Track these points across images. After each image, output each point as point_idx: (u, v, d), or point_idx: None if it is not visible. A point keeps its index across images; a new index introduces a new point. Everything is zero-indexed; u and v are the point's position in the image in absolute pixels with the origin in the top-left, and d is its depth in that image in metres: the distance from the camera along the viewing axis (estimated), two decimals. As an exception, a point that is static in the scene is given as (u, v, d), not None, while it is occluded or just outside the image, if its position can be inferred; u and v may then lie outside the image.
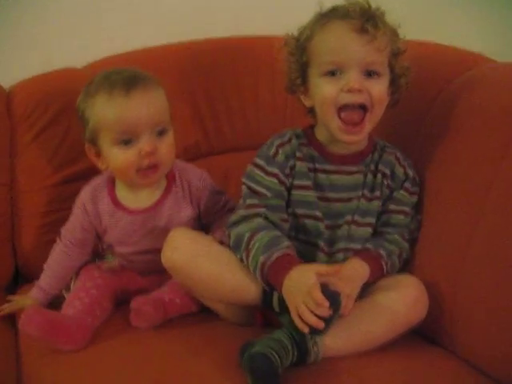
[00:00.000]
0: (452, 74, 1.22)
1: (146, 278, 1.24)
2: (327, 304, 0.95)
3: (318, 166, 1.13)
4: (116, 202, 1.18)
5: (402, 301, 1.05)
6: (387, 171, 1.15)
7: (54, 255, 1.23)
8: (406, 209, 1.15)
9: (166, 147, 1.12)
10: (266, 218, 1.09)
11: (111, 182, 1.20)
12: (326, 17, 1.10)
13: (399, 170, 1.15)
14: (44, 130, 1.38)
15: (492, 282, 1.01)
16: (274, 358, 0.96)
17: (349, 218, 1.13)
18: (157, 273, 1.19)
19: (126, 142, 1.09)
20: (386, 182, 1.15)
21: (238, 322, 1.15)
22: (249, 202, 1.11)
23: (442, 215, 1.12)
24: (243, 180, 1.14)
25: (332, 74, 1.07)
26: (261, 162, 1.12)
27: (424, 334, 1.12)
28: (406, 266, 1.17)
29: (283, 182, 1.12)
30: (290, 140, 1.14)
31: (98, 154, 1.14)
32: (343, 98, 1.07)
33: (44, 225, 1.36)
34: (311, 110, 1.15)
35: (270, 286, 1.05)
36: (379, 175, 1.14)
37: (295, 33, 1.14)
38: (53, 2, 1.48)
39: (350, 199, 1.14)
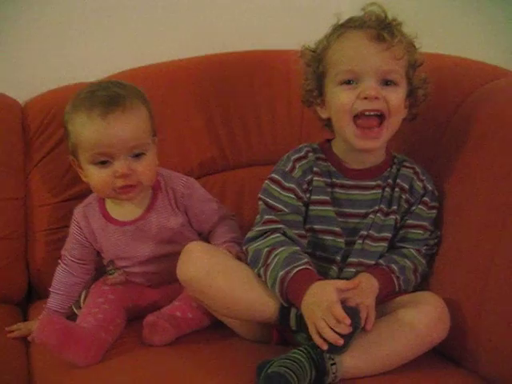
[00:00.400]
0: (472, 86, 1.20)
1: (157, 291, 1.23)
2: (348, 321, 0.94)
3: (335, 180, 1.12)
4: (107, 216, 1.20)
5: (423, 319, 1.02)
6: (405, 185, 1.13)
7: (58, 276, 1.24)
8: (425, 223, 1.13)
9: (143, 168, 1.13)
10: (285, 233, 1.08)
11: (102, 198, 1.21)
12: (343, 27, 1.10)
13: (418, 185, 1.14)
14: (58, 145, 1.38)
15: (517, 302, 0.98)
16: (292, 378, 0.94)
17: (364, 232, 1.12)
18: (165, 283, 1.20)
19: (102, 162, 1.12)
20: (404, 197, 1.13)
21: (253, 339, 1.13)
22: (266, 217, 1.10)
23: (463, 232, 1.10)
24: (260, 195, 1.13)
25: (348, 82, 1.07)
26: (277, 178, 1.12)
27: (447, 355, 1.09)
28: (425, 282, 1.14)
29: (300, 197, 1.11)
30: (306, 155, 1.13)
31: (81, 169, 1.17)
32: (359, 105, 1.06)
33: (57, 240, 1.35)
34: (327, 123, 1.15)
35: (289, 302, 1.04)
36: (397, 189, 1.13)
37: (312, 45, 1.14)
38: (66, 18, 1.49)
39: (367, 214, 1.12)
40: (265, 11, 1.59)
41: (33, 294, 1.39)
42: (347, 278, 1.08)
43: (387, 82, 1.07)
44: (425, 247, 1.14)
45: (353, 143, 1.09)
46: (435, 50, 1.29)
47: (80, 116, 1.11)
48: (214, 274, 1.06)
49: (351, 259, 1.12)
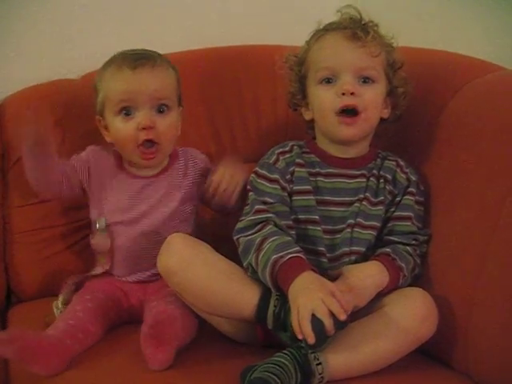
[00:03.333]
0: (460, 82, 1.19)
1: (134, 295, 1.20)
2: (343, 317, 0.93)
3: (319, 170, 1.15)
4: (120, 166, 1.22)
5: (410, 316, 1.01)
6: (389, 176, 1.16)
7: None
8: (412, 214, 1.14)
9: (166, 125, 1.16)
10: (275, 224, 1.09)
11: (119, 154, 1.23)
12: (322, 30, 1.16)
13: (401, 176, 1.16)
14: (37, 144, 1.33)
15: (510, 303, 0.96)
16: (276, 382, 0.93)
17: (351, 221, 1.13)
18: (142, 269, 1.20)
19: (127, 112, 1.15)
20: (388, 188, 1.15)
21: (238, 338, 1.11)
22: (257, 207, 1.11)
23: (454, 230, 1.09)
24: (248, 187, 1.15)
25: (328, 81, 1.12)
26: (262, 171, 1.15)
27: (437, 356, 1.08)
28: (416, 282, 1.12)
29: (284, 187, 1.13)
30: (291, 149, 1.17)
31: (107, 127, 1.19)
32: (338, 102, 1.10)
33: (37, 242, 1.32)
34: (311, 126, 1.20)
35: (276, 287, 1.02)
36: (382, 180, 1.16)
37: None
38: (49, 10, 1.45)
39: (351, 203, 1.14)
40: (253, 6, 1.58)
41: (12, 297, 1.35)
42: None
43: (365, 80, 1.11)
44: (414, 242, 1.12)
45: (335, 133, 1.13)
46: (422, 44, 1.29)
47: (110, 69, 1.16)
48: (193, 266, 1.05)
49: (344, 249, 1.12)
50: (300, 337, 0.94)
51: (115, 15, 1.50)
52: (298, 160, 1.15)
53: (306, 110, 1.18)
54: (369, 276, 1.06)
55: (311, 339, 0.93)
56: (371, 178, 1.15)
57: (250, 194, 1.14)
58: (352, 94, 1.09)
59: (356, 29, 1.11)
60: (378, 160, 1.17)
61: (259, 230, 1.07)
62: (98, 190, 1.21)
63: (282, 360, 0.96)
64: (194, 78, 1.41)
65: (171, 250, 1.07)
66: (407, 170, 1.16)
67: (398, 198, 1.15)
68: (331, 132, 1.13)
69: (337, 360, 0.99)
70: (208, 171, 1.24)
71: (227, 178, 1.15)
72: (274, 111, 1.45)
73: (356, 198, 1.14)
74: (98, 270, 1.22)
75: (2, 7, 1.41)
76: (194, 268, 1.05)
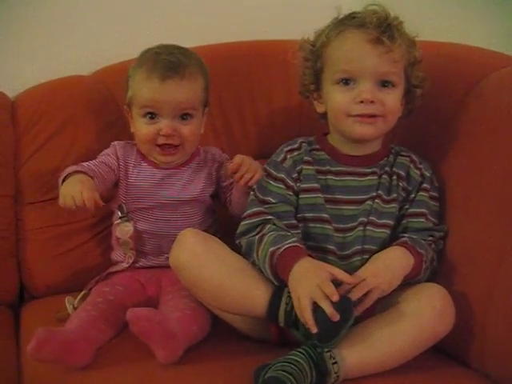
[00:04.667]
0: (479, 75, 1.16)
1: (151, 286, 1.21)
2: (336, 297, 0.93)
3: (329, 168, 1.13)
4: (142, 157, 1.26)
5: (427, 311, 0.99)
6: (402, 173, 1.13)
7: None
8: (426, 211, 1.11)
9: (188, 131, 1.21)
10: (275, 224, 1.08)
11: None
12: (343, 24, 1.10)
13: (415, 172, 1.13)
14: (49, 140, 1.34)
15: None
16: (291, 381, 0.92)
17: (364, 219, 1.11)
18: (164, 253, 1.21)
19: (151, 117, 1.20)
20: (401, 185, 1.13)
21: (252, 335, 1.10)
22: (255, 209, 1.11)
23: (472, 226, 1.07)
24: (253, 187, 1.15)
25: (345, 82, 1.08)
26: (269, 169, 1.14)
27: (454, 355, 1.07)
28: (433, 278, 1.10)
29: (290, 186, 1.12)
30: (300, 146, 1.15)
31: (132, 120, 1.24)
32: (355, 109, 1.08)
33: (49, 239, 1.32)
34: (323, 116, 1.17)
35: (279, 280, 1.02)
36: (395, 177, 1.13)
37: (311, 38, 1.15)
38: (60, 7, 1.45)
39: (363, 201, 1.12)
40: (263, 2, 1.55)
41: (24, 294, 1.35)
42: (354, 269, 1.05)
43: (384, 84, 1.08)
44: (430, 238, 1.10)
45: (351, 132, 1.10)
46: (439, 38, 1.27)
47: (141, 74, 1.19)
48: (204, 262, 1.05)
49: (356, 247, 1.10)
50: (314, 330, 0.93)
51: (127, 11, 1.49)
52: (306, 158, 1.13)
53: (318, 102, 1.15)
54: (395, 258, 1.04)
55: (313, 328, 0.92)
56: (384, 176, 1.13)
57: (251, 194, 1.13)
58: (372, 102, 1.06)
59: (381, 33, 1.05)
60: (391, 156, 1.15)
61: (259, 232, 1.07)
62: (123, 180, 1.25)
63: (297, 358, 0.95)
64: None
65: (183, 245, 1.06)
66: (421, 166, 1.14)
67: (412, 195, 1.12)
68: (346, 131, 1.11)
69: (352, 357, 0.97)
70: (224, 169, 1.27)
71: (247, 161, 1.16)
72: (287, 105, 1.43)
73: (368, 196, 1.12)
74: (123, 265, 1.24)
75: (14, 6, 1.41)
76: (206, 264, 1.04)
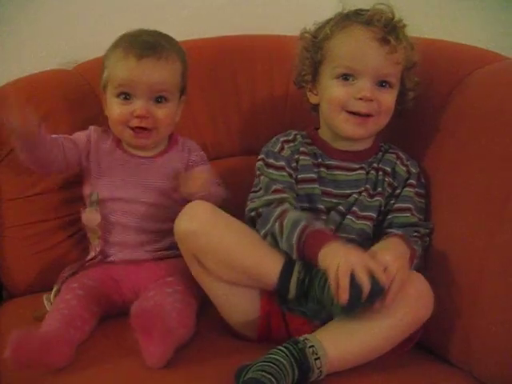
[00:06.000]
0: (464, 71, 1.16)
1: (127, 284, 1.19)
2: (381, 275, 0.93)
3: (320, 161, 1.14)
4: (118, 145, 1.25)
5: (405, 295, 0.98)
6: (388, 169, 1.14)
7: None
8: (411, 206, 1.12)
9: (162, 114, 1.19)
10: (292, 205, 1.08)
11: (117, 137, 1.25)
12: (349, 19, 1.10)
13: (401, 169, 1.14)
14: (29, 136, 1.31)
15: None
16: (270, 381, 0.91)
17: (341, 208, 1.11)
18: (136, 248, 1.20)
19: (126, 97, 1.18)
20: (387, 180, 1.14)
21: (237, 327, 1.09)
22: (275, 187, 1.09)
23: (457, 223, 1.07)
24: (258, 173, 1.14)
25: (345, 78, 1.09)
26: (270, 160, 1.13)
27: (440, 355, 1.07)
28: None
29: (291, 174, 1.12)
30: (294, 138, 1.16)
31: (106, 102, 1.23)
32: (353, 106, 1.08)
33: (29, 236, 1.30)
34: (314, 108, 1.17)
35: (301, 252, 1.00)
36: (381, 173, 1.14)
37: (312, 28, 1.15)
38: (41, 2, 1.43)
39: (350, 195, 1.13)
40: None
41: (3, 293, 1.33)
42: None
43: (382, 83, 1.09)
44: (415, 234, 1.10)
45: (342, 130, 1.11)
46: (426, 34, 1.26)
47: (118, 52, 1.19)
48: (217, 230, 1.03)
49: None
50: (338, 298, 0.92)
51: (110, 5, 1.48)
52: (302, 149, 1.14)
53: (312, 93, 1.15)
54: (396, 247, 1.03)
55: (345, 297, 0.92)
56: (371, 171, 1.14)
57: (263, 177, 1.12)
58: (370, 100, 1.07)
59: (388, 32, 1.06)
60: (380, 154, 1.16)
61: (277, 206, 1.06)
62: (95, 166, 1.23)
63: (277, 357, 0.94)
64: (190, 67, 1.38)
65: (192, 213, 1.04)
66: (408, 163, 1.14)
67: (397, 191, 1.13)
68: (337, 127, 1.11)
69: (334, 350, 0.96)
70: (202, 162, 1.27)
71: (203, 182, 1.14)
72: (271, 99, 1.43)
73: (356, 191, 1.12)
74: (92, 254, 1.22)
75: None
76: (218, 231, 1.03)
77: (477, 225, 1.03)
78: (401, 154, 1.15)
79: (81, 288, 1.14)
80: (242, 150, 1.43)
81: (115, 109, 1.19)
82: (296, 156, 1.13)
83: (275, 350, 0.96)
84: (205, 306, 1.15)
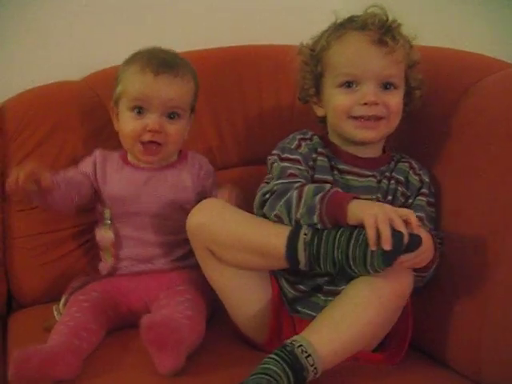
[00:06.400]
0: (471, 80, 1.16)
1: (136, 296, 1.19)
2: (415, 223, 0.94)
3: (333, 164, 1.13)
4: (125, 161, 1.26)
5: (380, 275, 0.96)
6: (401, 178, 1.13)
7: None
8: (423, 215, 1.10)
9: (173, 130, 1.21)
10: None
11: (124, 151, 1.27)
12: (343, 27, 1.10)
13: (414, 178, 1.13)
14: (38, 147, 1.32)
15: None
16: None
17: None
18: (150, 264, 1.21)
19: (139, 111, 1.20)
20: (400, 189, 1.13)
21: (246, 330, 1.10)
22: (290, 171, 1.07)
23: (465, 231, 1.06)
24: (271, 165, 1.11)
25: (348, 85, 1.08)
26: (285, 155, 1.11)
27: (449, 365, 1.06)
28: (425, 289, 1.09)
29: (307, 170, 1.10)
30: (311, 137, 1.14)
31: (117, 117, 1.24)
32: (358, 110, 1.08)
33: (38, 246, 1.30)
34: (322, 120, 1.16)
35: (325, 210, 0.97)
36: (393, 181, 1.13)
37: (309, 42, 1.15)
38: (49, 12, 1.44)
39: None
40: (253, 7, 1.56)
41: (13, 303, 1.33)
42: None
43: (387, 86, 1.08)
44: None
45: (352, 135, 1.10)
46: (432, 43, 1.26)
47: (135, 66, 1.20)
48: (223, 216, 1.05)
49: None
50: (373, 247, 0.92)
51: (118, 16, 1.49)
52: (320, 149, 1.12)
53: (317, 106, 1.15)
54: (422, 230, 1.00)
55: (389, 245, 0.91)
56: (383, 180, 1.12)
57: (276, 165, 1.09)
58: (376, 104, 1.06)
59: (383, 34, 1.06)
60: (392, 163, 1.15)
61: (294, 184, 1.04)
62: (103, 184, 1.23)
63: (269, 366, 0.93)
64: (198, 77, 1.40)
65: (204, 206, 1.07)
66: (420, 172, 1.14)
67: (410, 200, 1.12)
68: (347, 134, 1.10)
69: (324, 345, 0.95)
70: (209, 178, 1.28)
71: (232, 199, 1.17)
72: (278, 109, 1.43)
73: (367, 197, 1.10)
74: (103, 269, 1.23)
75: (1, 9, 1.40)
76: (224, 217, 1.05)
77: (485, 233, 1.02)
78: (414, 164, 1.14)
79: (87, 300, 1.14)
80: (248, 160, 1.43)
81: (128, 123, 1.20)
82: (314, 155, 1.11)
83: (266, 359, 0.95)
84: (214, 316, 1.16)
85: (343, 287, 1.02)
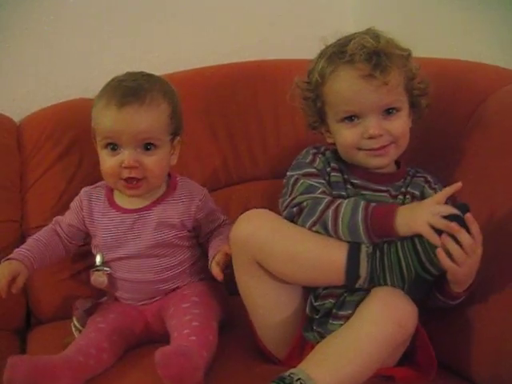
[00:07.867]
0: (486, 91, 1.15)
1: (148, 312, 1.19)
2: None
3: (347, 177, 1.11)
4: (111, 201, 1.20)
5: (378, 308, 0.96)
6: (416, 192, 1.12)
7: (40, 232, 1.22)
8: None
9: (151, 163, 1.13)
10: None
11: (110, 188, 1.21)
12: (334, 63, 1.07)
13: (429, 193, 1.11)
14: (55, 164, 1.34)
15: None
16: None
17: None
18: (147, 297, 1.19)
19: (113, 148, 1.13)
20: None
21: (268, 340, 1.09)
22: (313, 184, 1.06)
23: (484, 245, 1.01)
24: (293, 182, 1.09)
25: (350, 119, 1.07)
26: (304, 170, 1.09)
27: (453, 368, 1.05)
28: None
29: (326, 184, 1.09)
30: (324, 152, 1.13)
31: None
32: (365, 145, 1.07)
33: (55, 263, 1.28)
34: (334, 144, 1.14)
35: (371, 227, 0.98)
36: (408, 196, 1.11)
37: (303, 79, 1.13)
38: (64, 30, 1.47)
39: None
40: (267, 22, 1.57)
41: (31, 319, 1.34)
42: None
43: (389, 111, 1.06)
44: None
45: (365, 163, 1.09)
46: (444, 55, 1.26)
47: (101, 102, 1.14)
48: (277, 227, 1.02)
49: None
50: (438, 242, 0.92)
51: (130, 33, 1.50)
52: (333, 164, 1.11)
53: (327, 134, 1.13)
54: None
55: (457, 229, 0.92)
56: (399, 196, 1.11)
57: (302, 181, 1.07)
58: (380, 135, 1.05)
59: (373, 67, 1.02)
60: (408, 178, 1.13)
61: (324, 199, 1.04)
62: (92, 229, 1.20)
63: None
64: (211, 93, 1.40)
65: (250, 217, 1.04)
66: (436, 186, 1.12)
67: None
68: (360, 163, 1.09)
69: (324, 377, 0.93)
70: (204, 209, 1.21)
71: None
72: (294, 126, 1.42)
73: None
74: (105, 299, 1.22)
75: (17, 27, 1.42)
76: (278, 229, 1.02)
77: (505, 247, 1.01)
78: (429, 178, 1.13)
79: (103, 322, 1.14)
80: (265, 174, 1.43)
81: (105, 161, 1.14)
82: (328, 169, 1.10)
83: None
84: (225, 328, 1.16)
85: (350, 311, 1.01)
